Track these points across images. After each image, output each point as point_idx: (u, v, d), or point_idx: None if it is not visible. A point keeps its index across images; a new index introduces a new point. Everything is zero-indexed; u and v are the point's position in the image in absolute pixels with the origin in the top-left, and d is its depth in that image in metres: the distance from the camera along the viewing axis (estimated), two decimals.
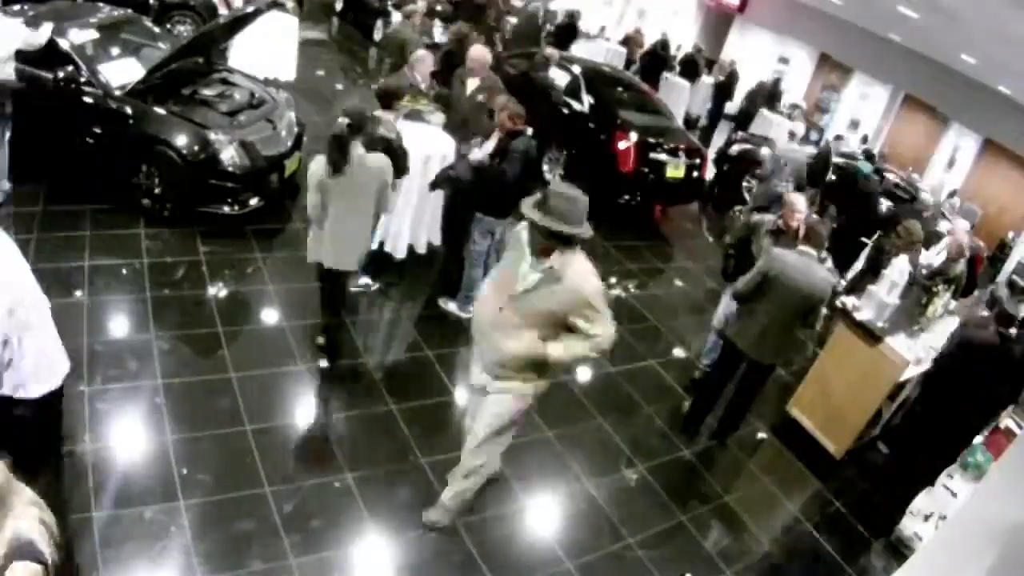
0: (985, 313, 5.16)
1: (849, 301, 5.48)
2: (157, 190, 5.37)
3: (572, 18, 14.36)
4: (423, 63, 6.17)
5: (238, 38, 7.13)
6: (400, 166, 5.05)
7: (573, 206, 2.92)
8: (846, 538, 4.56)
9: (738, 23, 18.98)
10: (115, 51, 5.75)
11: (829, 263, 4.90)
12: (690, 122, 13.26)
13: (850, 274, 6.85)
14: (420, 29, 8.81)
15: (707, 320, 6.42)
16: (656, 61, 13.56)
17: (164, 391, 3.97)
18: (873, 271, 6.24)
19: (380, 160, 4.20)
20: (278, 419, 4.07)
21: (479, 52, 6.41)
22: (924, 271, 5.93)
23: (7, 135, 5.06)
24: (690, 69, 14.19)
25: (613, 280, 7.04)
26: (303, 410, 4.21)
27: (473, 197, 5.26)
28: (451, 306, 5.51)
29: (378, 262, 5.58)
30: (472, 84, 6.23)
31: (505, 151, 5.15)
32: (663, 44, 14.28)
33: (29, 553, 1.62)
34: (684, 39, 17.30)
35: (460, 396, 4.73)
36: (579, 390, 5.16)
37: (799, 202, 5.04)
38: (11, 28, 4.82)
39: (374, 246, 5.57)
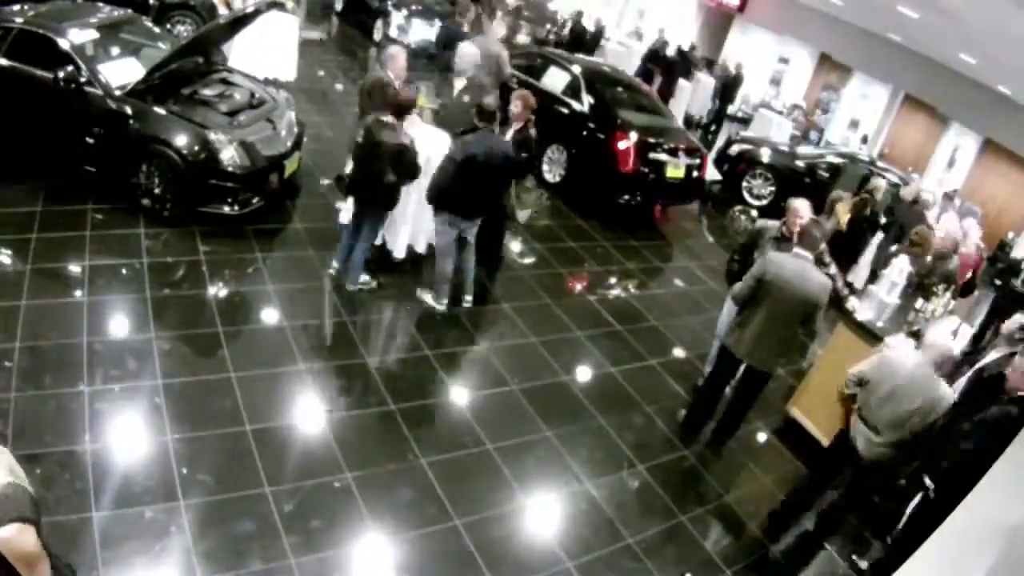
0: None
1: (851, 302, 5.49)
2: (157, 190, 5.37)
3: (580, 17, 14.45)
4: (395, 60, 6.08)
5: (238, 38, 7.13)
6: (413, 173, 5.05)
7: None
8: (846, 538, 4.56)
9: (738, 23, 18.98)
10: (115, 51, 5.75)
11: (833, 268, 4.87)
12: (690, 122, 13.27)
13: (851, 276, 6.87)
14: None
15: (707, 319, 6.43)
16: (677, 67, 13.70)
17: (164, 391, 3.97)
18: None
19: None
20: (278, 419, 4.07)
21: (469, 50, 6.38)
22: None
23: None
24: (683, 66, 14.31)
25: (613, 280, 7.05)
26: (303, 410, 4.21)
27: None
28: (427, 297, 5.52)
29: (377, 261, 5.58)
30: (459, 84, 6.20)
31: (524, 141, 5.16)
32: (681, 51, 14.35)
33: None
34: (684, 39, 17.30)
35: (460, 396, 4.74)
36: (579, 390, 5.16)
37: (803, 207, 5.00)
38: None
39: (377, 242, 5.59)
